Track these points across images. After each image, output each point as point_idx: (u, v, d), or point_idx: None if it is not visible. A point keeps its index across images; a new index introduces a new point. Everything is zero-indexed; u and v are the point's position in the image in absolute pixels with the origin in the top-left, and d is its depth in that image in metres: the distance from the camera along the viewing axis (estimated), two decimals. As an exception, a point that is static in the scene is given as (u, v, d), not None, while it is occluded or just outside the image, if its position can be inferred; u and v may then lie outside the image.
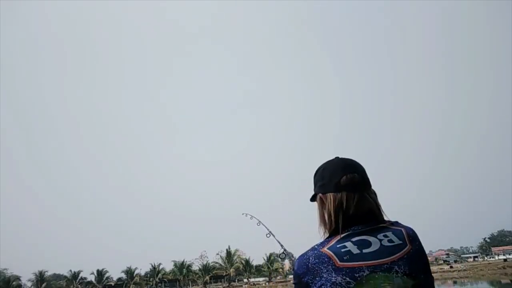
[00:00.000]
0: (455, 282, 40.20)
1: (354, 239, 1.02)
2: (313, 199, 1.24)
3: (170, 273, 61.47)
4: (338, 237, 1.04)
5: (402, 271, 0.97)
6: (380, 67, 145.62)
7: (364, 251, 0.99)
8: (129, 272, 60.22)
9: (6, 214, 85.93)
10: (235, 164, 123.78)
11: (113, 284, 60.42)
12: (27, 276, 57.89)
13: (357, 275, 0.96)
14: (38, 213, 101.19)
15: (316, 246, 1.07)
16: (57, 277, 67.68)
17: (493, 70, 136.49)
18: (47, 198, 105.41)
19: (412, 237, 1.04)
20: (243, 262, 60.83)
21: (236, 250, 62.08)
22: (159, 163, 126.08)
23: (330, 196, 1.11)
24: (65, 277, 59.83)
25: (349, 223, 1.06)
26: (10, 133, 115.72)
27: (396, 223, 1.09)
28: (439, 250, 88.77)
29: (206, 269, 59.90)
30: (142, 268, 62.11)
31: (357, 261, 0.97)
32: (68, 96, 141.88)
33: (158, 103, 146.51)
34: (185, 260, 61.71)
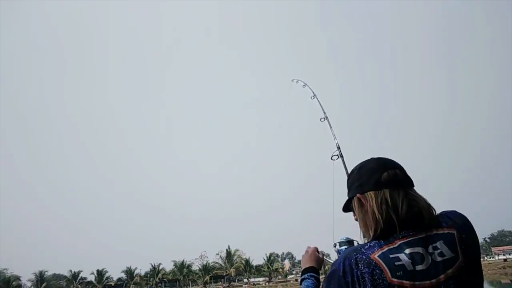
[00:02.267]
0: (455, 282, 40.03)
1: (407, 251, 0.92)
2: (346, 208, 1.13)
3: (170, 273, 61.40)
4: (390, 245, 0.94)
5: None
6: (381, 69, 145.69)
7: (417, 268, 0.91)
8: (129, 272, 60.17)
9: (6, 214, 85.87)
10: (235, 164, 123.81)
11: (113, 284, 60.36)
12: (27, 276, 57.90)
13: None
14: (38, 213, 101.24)
15: (363, 250, 0.96)
16: (57, 277, 67.67)
17: (494, 70, 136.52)
18: (47, 198, 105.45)
19: (465, 243, 0.95)
20: (243, 262, 60.79)
21: (236, 250, 62.04)
22: (159, 163, 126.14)
23: (371, 194, 1.01)
24: (65, 277, 59.77)
25: (400, 228, 0.95)
26: (10, 133, 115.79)
27: (450, 220, 0.99)
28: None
29: (206, 269, 59.83)
30: (142, 268, 62.13)
31: (409, 280, 0.90)
32: (68, 96, 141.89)
33: (158, 103, 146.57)
34: (185, 260, 61.72)
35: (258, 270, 62.43)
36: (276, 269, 61.39)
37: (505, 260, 55.79)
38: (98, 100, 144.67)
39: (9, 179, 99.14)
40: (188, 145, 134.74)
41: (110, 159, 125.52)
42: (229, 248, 61.58)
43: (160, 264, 61.50)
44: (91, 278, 59.25)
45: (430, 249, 0.93)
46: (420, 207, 0.97)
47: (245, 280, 61.72)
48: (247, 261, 61.14)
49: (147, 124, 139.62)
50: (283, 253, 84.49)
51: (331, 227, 2.38)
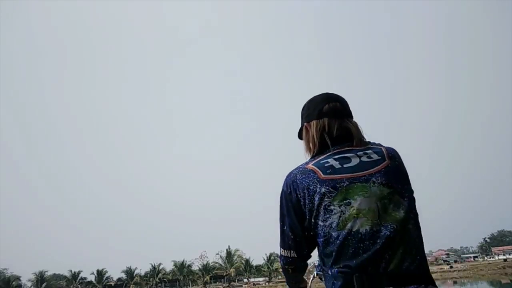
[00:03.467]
0: (455, 282, 40.17)
1: (335, 156, 1.12)
2: (299, 135, 1.31)
3: (170, 273, 61.45)
4: (322, 156, 1.14)
5: (379, 181, 1.06)
6: (380, 70, 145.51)
7: (345, 165, 1.09)
8: (129, 272, 60.23)
9: (6, 214, 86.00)
10: (235, 164, 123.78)
11: (113, 284, 60.42)
12: (27, 276, 58.02)
13: (338, 185, 1.06)
14: (38, 213, 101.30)
15: (300, 165, 1.18)
16: (57, 277, 67.67)
17: (494, 70, 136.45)
18: (47, 198, 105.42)
19: (392, 154, 1.13)
20: (243, 262, 60.80)
21: (236, 250, 62.04)
22: (159, 163, 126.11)
23: (313, 122, 1.22)
24: (65, 277, 59.83)
25: (332, 145, 1.16)
26: (10, 133, 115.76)
27: (379, 144, 1.18)
28: (439, 250, 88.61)
29: (206, 269, 59.84)
30: (142, 268, 62.27)
31: (339, 174, 1.08)
32: (68, 96, 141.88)
33: (158, 103, 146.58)
34: (185, 260, 61.77)
35: (258, 270, 62.46)
36: (276, 269, 61.25)
37: (505, 260, 55.78)
38: (99, 99, 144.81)
39: (9, 179, 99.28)
40: (188, 145, 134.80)
41: (110, 159, 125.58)
42: (229, 248, 61.63)
43: (160, 264, 61.65)
44: (91, 278, 59.44)
45: (360, 154, 1.12)
46: (350, 130, 1.17)
47: (245, 280, 61.72)
48: (247, 261, 61.15)
49: (147, 124, 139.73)
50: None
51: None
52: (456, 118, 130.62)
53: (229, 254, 61.31)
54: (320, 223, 1.06)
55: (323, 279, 1.17)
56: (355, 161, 1.10)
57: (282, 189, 1.18)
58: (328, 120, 1.19)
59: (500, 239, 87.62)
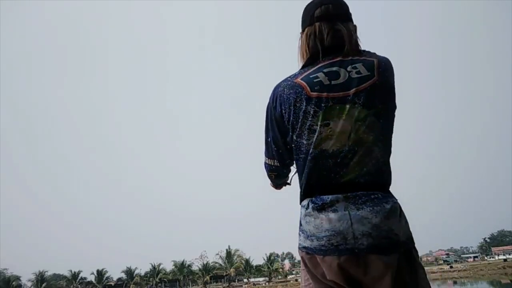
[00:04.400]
0: (455, 282, 40.08)
1: (325, 70, 1.08)
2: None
3: (170, 273, 61.36)
4: (312, 68, 1.11)
5: (360, 102, 1.04)
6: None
7: (333, 82, 1.06)
8: (129, 272, 60.13)
9: (6, 214, 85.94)
10: (235, 164, 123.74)
11: (113, 284, 60.33)
12: (27, 276, 57.83)
13: (323, 105, 1.05)
14: (38, 213, 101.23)
15: (289, 78, 1.14)
16: (57, 277, 67.55)
17: (493, 71, 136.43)
18: (47, 198, 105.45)
19: (383, 68, 1.08)
20: (243, 262, 60.75)
21: (236, 250, 61.98)
22: (159, 163, 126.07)
23: (306, 29, 1.16)
24: (65, 277, 59.69)
25: (323, 54, 1.11)
26: (10, 134, 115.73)
27: (373, 54, 1.13)
28: (439, 250, 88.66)
29: (206, 269, 59.75)
30: (142, 268, 62.10)
31: (326, 92, 1.06)
32: (68, 96, 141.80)
33: (159, 103, 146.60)
34: (185, 260, 61.65)
35: (258, 270, 62.39)
36: (276, 269, 61.31)
37: (505, 260, 55.75)
38: (99, 99, 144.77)
39: (9, 179, 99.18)
40: (189, 145, 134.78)
41: (110, 159, 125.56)
42: (229, 248, 61.56)
43: (160, 264, 61.52)
44: (91, 278, 59.28)
45: (349, 68, 1.07)
46: (343, 36, 1.11)
47: (245, 280, 61.68)
48: (247, 261, 61.08)
49: (147, 124, 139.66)
50: (283, 253, 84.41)
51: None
52: (456, 118, 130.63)
53: (229, 254, 61.24)
54: (304, 141, 1.09)
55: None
56: (343, 78, 1.06)
57: (268, 101, 1.18)
58: (319, 24, 1.13)
59: (500, 239, 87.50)
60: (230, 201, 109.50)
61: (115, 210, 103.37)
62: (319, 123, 1.06)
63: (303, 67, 1.16)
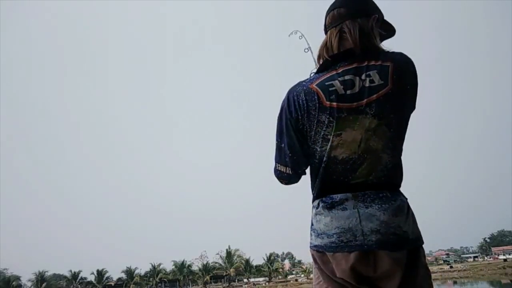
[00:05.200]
0: (455, 282, 40.05)
1: (340, 78, 1.08)
2: None
3: (170, 273, 61.32)
4: (327, 75, 1.11)
5: (372, 112, 1.05)
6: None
7: (347, 92, 1.07)
8: (129, 272, 60.08)
9: (6, 214, 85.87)
10: (235, 164, 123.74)
11: (113, 284, 60.26)
12: (27, 276, 57.79)
13: (337, 115, 1.06)
14: (38, 213, 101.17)
15: (303, 82, 1.14)
16: (57, 277, 67.53)
17: (494, 70, 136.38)
18: (47, 198, 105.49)
19: (398, 74, 1.06)
20: (243, 262, 60.71)
21: (236, 250, 61.95)
22: (159, 163, 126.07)
23: (328, 32, 1.19)
24: (65, 277, 59.67)
25: (337, 60, 1.11)
26: (10, 134, 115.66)
27: (389, 56, 1.09)
28: (439, 250, 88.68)
29: (206, 269, 59.72)
30: (142, 268, 62.04)
31: (341, 103, 1.06)
32: (68, 96, 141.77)
33: (158, 104, 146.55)
34: (185, 260, 61.62)
35: (258, 270, 62.33)
36: (276, 269, 61.28)
37: (505, 260, 55.71)
38: (99, 100, 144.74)
39: (9, 179, 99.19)
40: (188, 145, 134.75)
41: (110, 160, 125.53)
42: (229, 248, 61.51)
43: (160, 264, 61.48)
44: (91, 278, 59.21)
45: (363, 77, 1.07)
46: (351, 42, 1.11)
47: (245, 280, 61.64)
48: (247, 261, 61.03)
49: (147, 124, 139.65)
50: (283, 253, 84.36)
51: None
52: (455, 118, 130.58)
53: (229, 254, 61.21)
54: (317, 148, 1.11)
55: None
56: (357, 87, 1.06)
57: (283, 105, 1.16)
58: (330, 32, 1.15)
59: (500, 239, 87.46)
60: (230, 201, 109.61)
61: (115, 210, 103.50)
62: (332, 133, 1.08)
63: (318, 71, 1.16)
